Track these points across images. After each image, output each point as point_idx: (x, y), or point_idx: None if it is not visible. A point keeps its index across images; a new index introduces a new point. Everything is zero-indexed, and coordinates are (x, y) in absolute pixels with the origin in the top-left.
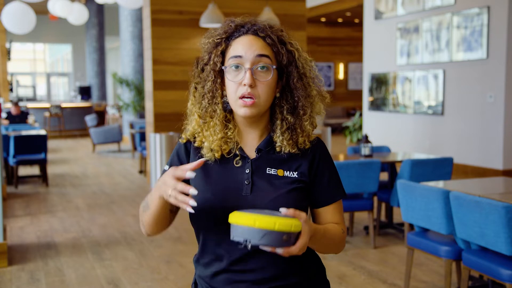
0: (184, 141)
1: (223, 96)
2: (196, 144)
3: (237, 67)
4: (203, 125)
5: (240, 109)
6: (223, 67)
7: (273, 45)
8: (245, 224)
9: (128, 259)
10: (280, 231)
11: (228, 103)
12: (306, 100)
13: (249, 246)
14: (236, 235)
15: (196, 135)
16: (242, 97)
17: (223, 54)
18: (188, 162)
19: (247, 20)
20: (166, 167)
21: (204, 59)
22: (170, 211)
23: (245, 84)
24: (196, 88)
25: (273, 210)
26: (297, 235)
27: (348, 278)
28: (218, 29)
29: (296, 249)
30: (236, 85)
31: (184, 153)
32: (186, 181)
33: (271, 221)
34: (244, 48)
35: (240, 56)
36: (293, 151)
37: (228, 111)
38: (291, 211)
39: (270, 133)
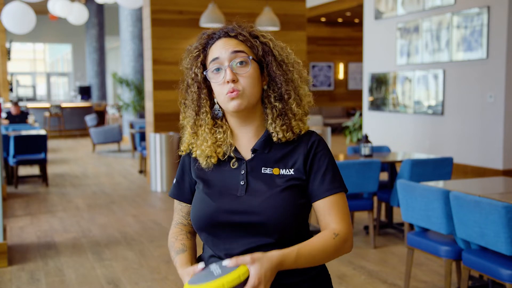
0: (184, 153)
1: (212, 105)
2: (193, 155)
3: (217, 70)
4: (194, 135)
5: (229, 104)
6: (204, 72)
7: (246, 41)
8: None
9: (128, 259)
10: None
11: (219, 110)
12: (288, 85)
13: None
14: None
15: (191, 147)
16: (228, 92)
17: (203, 64)
18: (190, 172)
19: (217, 28)
20: (175, 180)
21: (188, 74)
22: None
23: (228, 82)
24: (185, 104)
25: (265, 211)
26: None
27: (348, 278)
28: (194, 44)
29: None
30: (221, 86)
31: (187, 164)
32: (191, 185)
33: (219, 284)
34: (219, 49)
35: (217, 58)
36: (288, 135)
37: (219, 118)
38: (232, 261)
39: (266, 129)
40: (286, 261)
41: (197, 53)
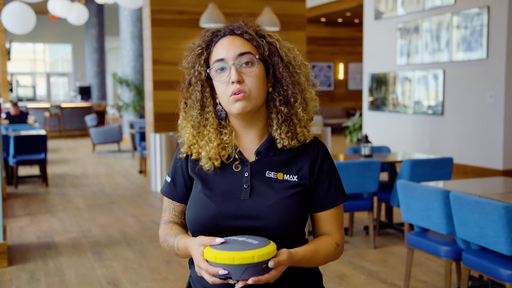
0: (184, 155)
1: (215, 105)
2: (193, 157)
3: (222, 69)
4: (197, 135)
5: (234, 106)
6: (208, 70)
7: (252, 40)
8: (224, 262)
9: (128, 259)
10: (260, 262)
11: (221, 110)
12: (295, 87)
13: (232, 282)
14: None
15: (192, 147)
16: (233, 94)
17: (206, 62)
18: (188, 175)
19: (222, 25)
20: (168, 178)
21: (190, 73)
22: None
23: (233, 82)
24: (186, 103)
25: (269, 217)
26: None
27: (348, 278)
28: (197, 41)
29: (269, 276)
30: (225, 85)
31: (185, 166)
32: (186, 183)
33: (249, 256)
34: (224, 49)
35: (222, 59)
36: (293, 143)
37: (222, 118)
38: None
39: (270, 133)
40: (302, 260)
41: (200, 50)
